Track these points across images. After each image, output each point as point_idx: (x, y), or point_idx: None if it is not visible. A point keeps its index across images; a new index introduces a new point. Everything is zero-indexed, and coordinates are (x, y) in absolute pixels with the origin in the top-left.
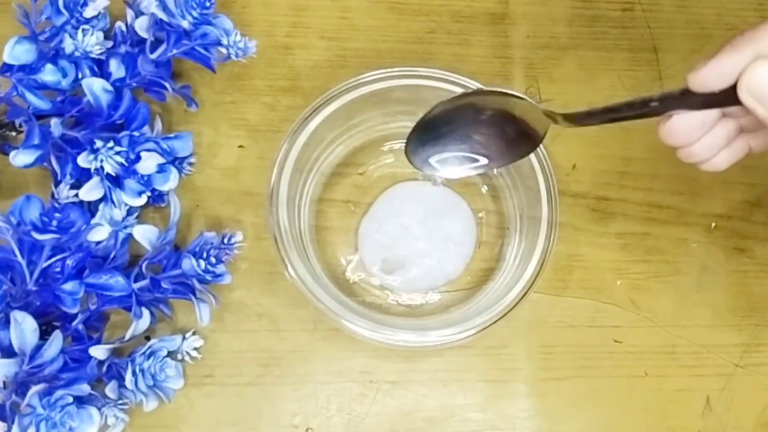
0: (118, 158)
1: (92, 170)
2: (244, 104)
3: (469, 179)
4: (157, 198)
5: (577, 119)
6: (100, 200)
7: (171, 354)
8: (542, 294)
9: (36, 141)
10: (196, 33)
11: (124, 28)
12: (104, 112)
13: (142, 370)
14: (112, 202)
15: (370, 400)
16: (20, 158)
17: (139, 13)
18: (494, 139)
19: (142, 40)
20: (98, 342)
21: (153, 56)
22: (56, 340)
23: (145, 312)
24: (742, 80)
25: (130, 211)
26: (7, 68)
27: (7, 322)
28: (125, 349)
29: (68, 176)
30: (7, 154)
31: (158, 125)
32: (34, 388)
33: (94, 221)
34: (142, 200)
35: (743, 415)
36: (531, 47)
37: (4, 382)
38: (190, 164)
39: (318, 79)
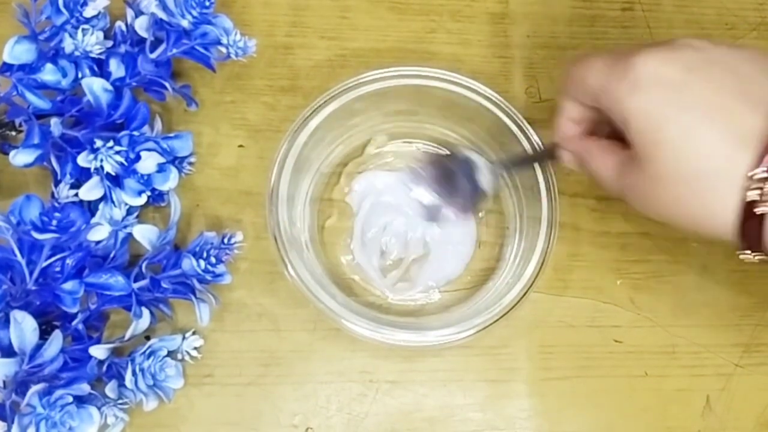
0: (118, 158)
1: (92, 170)
2: (244, 104)
3: None
4: (157, 197)
5: (510, 166)
6: (100, 200)
7: (171, 354)
8: (542, 294)
9: (36, 140)
10: (195, 32)
11: (123, 28)
12: (104, 112)
13: (142, 370)
14: (112, 201)
15: (370, 399)
16: (20, 158)
17: (138, 13)
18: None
19: (142, 40)
20: (98, 341)
21: (153, 56)
22: (56, 339)
23: (145, 312)
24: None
25: (130, 210)
26: (7, 68)
27: (7, 321)
28: (125, 349)
29: (68, 176)
30: (7, 153)
31: (158, 125)
32: (34, 388)
33: (93, 221)
34: (142, 200)
35: (743, 415)
36: (531, 47)
37: (4, 382)
38: (190, 164)
39: (318, 78)
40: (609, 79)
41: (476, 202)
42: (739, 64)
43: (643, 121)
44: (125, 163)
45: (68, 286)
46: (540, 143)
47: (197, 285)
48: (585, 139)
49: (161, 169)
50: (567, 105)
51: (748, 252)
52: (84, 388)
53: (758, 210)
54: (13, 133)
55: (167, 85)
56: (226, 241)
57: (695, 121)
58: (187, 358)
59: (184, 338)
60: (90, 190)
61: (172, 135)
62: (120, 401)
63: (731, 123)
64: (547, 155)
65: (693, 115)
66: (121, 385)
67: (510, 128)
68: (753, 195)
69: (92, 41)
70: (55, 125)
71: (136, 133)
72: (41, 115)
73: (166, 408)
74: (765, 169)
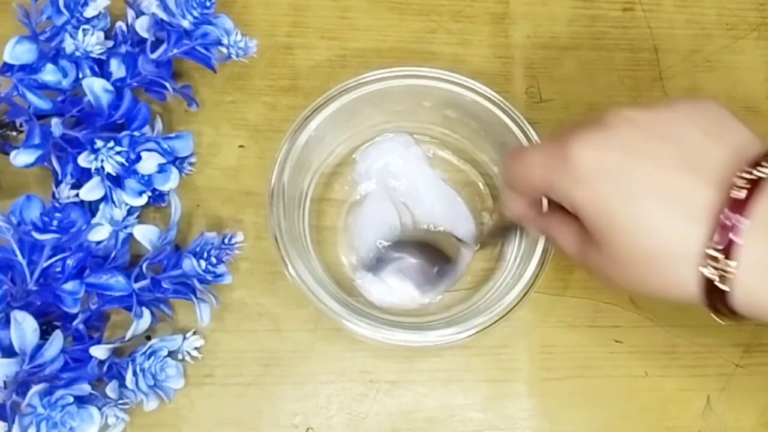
0: (119, 158)
1: (93, 170)
2: (244, 104)
3: (469, 179)
4: (158, 198)
5: (477, 243)
6: (101, 200)
7: (171, 354)
8: (542, 294)
9: (36, 141)
10: (196, 33)
11: (124, 28)
12: (105, 112)
13: (142, 370)
14: (113, 201)
15: (370, 399)
16: (21, 158)
17: (139, 13)
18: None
19: (143, 40)
20: (99, 342)
21: (153, 56)
22: (57, 339)
23: (146, 312)
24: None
25: (130, 210)
26: (8, 68)
27: (8, 321)
28: (126, 349)
29: (69, 176)
30: (7, 153)
31: (158, 125)
32: (35, 388)
33: (94, 221)
34: (143, 200)
35: (743, 415)
36: (531, 47)
37: (5, 382)
38: (191, 164)
39: (318, 79)
40: (551, 177)
41: (448, 278)
42: (679, 131)
43: (592, 212)
44: (126, 164)
45: (69, 286)
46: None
47: (198, 285)
48: (545, 216)
49: (162, 169)
50: (515, 197)
51: (721, 316)
52: (85, 388)
53: (719, 285)
54: (14, 134)
55: (168, 85)
56: (226, 241)
57: (643, 205)
58: (187, 358)
59: (184, 338)
60: (91, 191)
61: (172, 135)
62: (120, 401)
63: (680, 200)
64: (514, 228)
65: (639, 199)
66: (122, 385)
67: (510, 128)
68: (708, 273)
69: (93, 41)
70: (56, 125)
71: (136, 133)
72: (42, 116)
73: (166, 408)
74: (716, 246)
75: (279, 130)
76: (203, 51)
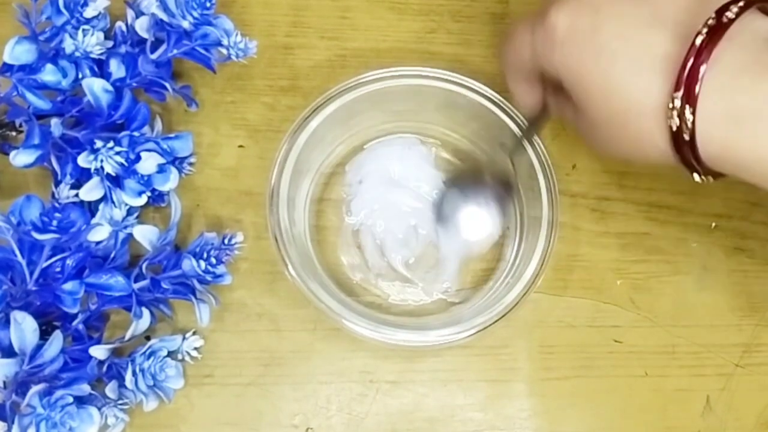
0: (118, 158)
1: (92, 170)
2: (244, 104)
3: None
4: (158, 198)
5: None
6: (101, 200)
7: (171, 354)
8: (542, 294)
9: (36, 141)
10: (196, 33)
11: (124, 28)
12: (104, 112)
13: (142, 370)
14: (113, 202)
15: (370, 400)
16: (20, 158)
17: (139, 14)
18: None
19: (143, 41)
20: (98, 342)
21: (153, 56)
22: (56, 340)
23: (145, 312)
24: None
25: (130, 211)
26: (8, 68)
27: (8, 322)
28: (125, 349)
29: (68, 176)
30: (7, 153)
31: (158, 125)
32: (35, 388)
33: (94, 221)
34: (143, 200)
35: (743, 415)
36: None
37: (5, 382)
38: (190, 164)
39: (318, 79)
40: (535, 45)
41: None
42: None
43: (569, 76)
44: (125, 164)
45: (68, 286)
46: (524, 120)
47: (197, 285)
48: (552, 95)
49: (161, 169)
50: (518, 85)
51: (697, 175)
52: (84, 388)
53: (684, 136)
54: (14, 134)
55: (167, 85)
56: (226, 241)
57: (612, 64)
58: (187, 358)
59: (184, 338)
60: (90, 191)
61: (172, 135)
62: (120, 401)
63: (647, 56)
64: (538, 121)
65: (609, 58)
66: (122, 385)
67: (510, 128)
68: (672, 124)
69: (93, 42)
70: (56, 126)
71: (136, 133)
72: (41, 116)
73: (166, 408)
74: (678, 95)
75: (279, 130)
76: (203, 52)
